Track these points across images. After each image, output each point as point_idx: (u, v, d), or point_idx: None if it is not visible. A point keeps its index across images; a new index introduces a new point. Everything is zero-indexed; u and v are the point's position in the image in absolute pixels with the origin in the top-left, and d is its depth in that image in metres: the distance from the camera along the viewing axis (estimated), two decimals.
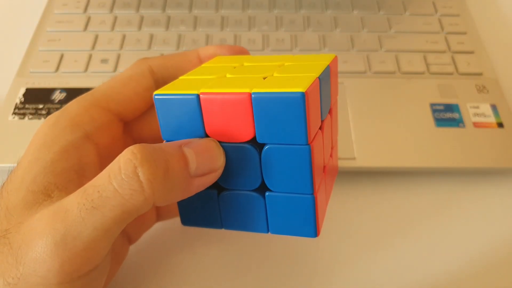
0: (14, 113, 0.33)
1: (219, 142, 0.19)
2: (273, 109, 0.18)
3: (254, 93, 0.18)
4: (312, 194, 0.19)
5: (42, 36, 0.39)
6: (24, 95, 0.35)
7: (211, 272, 0.28)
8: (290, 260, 0.28)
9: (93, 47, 0.38)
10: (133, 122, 0.24)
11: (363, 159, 0.31)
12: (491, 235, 0.30)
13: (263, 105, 0.18)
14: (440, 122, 0.33)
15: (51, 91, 0.35)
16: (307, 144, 0.18)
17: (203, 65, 0.24)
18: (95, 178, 0.17)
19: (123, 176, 0.16)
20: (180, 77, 0.22)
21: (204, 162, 0.18)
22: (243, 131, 0.19)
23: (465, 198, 0.31)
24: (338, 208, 0.31)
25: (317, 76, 0.19)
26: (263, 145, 0.19)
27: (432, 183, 0.32)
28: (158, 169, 0.17)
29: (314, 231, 0.20)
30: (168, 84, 0.21)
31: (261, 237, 0.29)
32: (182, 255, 0.28)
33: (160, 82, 0.24)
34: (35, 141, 0.20)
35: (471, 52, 0.38)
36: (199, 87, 0.19)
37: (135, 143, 0.25)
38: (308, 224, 0.20)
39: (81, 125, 0.21)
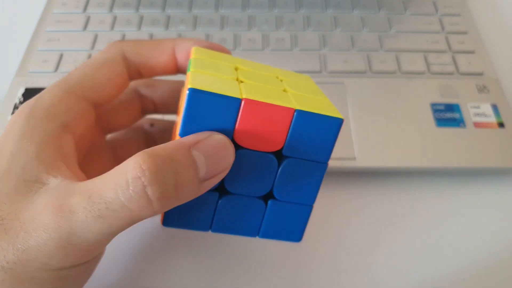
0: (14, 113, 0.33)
1: (242, 147, 0.19)
2: (311, 127, 0.19)
3: (298, 110, 0.18)
4: (312, 205, 0.21)
5: (42, 36, 0.39)
6: (23, 95, 0.34)
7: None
8: (288, 260, 0.28)
9: (92, 47, 0.38)
10: (101, 109, 0.24)
11: (363, 159, 0.31)
12: (491, 235, 0.29)
13: (303, 122, 0.18)
14: (441, 122, 0.33)
15: None
16: (326, 162, 0.20)
17: (196, 56, 0.22)
18: (98, 184, 0.17)
19: (131, 192, 0.16)
20: (191, 70, 0.20)
21: (214, 165, 0.18)
22: (273, 142, 0.19)
23: (465, 198, 0.31)
24: (338, 208, 0.30)
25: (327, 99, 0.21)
26: (280, 156, 0.19)
27: (432, 183, 0.32)
28: (168, 186, 0.17)
29: (301, 237, 0.22)
30: (188, 79, 0.19)
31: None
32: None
33: (132, 68, 0.24)
34: (11, 132, 0.20)
35: (472, 52, 0.38)
36: (225, 87, 0.18)
37: (104, 130, 0.25)
38: (298, 230, 0.21)
39: (57, 115, 0.20)
